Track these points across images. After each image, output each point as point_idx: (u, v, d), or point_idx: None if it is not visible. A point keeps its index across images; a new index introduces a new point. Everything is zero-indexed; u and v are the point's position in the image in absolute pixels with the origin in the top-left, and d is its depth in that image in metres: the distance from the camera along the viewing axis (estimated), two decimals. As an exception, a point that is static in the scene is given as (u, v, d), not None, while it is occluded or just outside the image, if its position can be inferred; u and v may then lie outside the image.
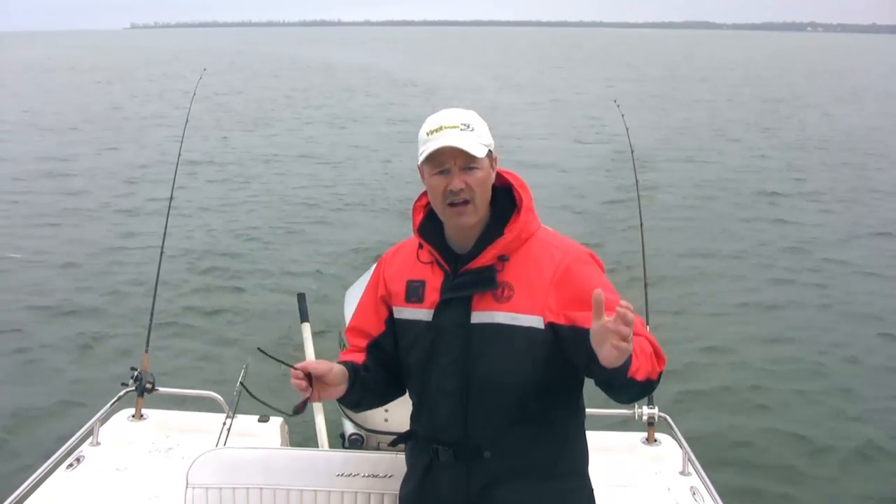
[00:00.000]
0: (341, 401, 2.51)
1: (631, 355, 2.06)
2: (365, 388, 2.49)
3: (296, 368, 2.31)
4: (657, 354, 2.24)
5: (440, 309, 2.40)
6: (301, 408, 2.33)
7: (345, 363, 2.47)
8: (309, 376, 2.31)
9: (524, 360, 2.32)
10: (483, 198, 2.36)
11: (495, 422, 2.37)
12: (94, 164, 18.02)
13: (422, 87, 39.65)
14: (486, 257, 2.36)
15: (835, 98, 36.40)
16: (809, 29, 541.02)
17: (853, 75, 53.68)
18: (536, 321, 2.31)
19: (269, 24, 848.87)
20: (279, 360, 2.41)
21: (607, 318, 1.98)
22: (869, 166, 18.71)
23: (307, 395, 2.31)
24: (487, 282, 2.35)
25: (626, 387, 2.16)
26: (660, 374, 2.25)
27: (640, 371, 2.13)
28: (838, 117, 28.23)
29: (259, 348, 2.54)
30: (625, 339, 1.96)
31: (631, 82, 44.14)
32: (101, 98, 33.40)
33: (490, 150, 2.39)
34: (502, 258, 2.36)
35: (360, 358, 2.54)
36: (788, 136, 23.39)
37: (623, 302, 1.99)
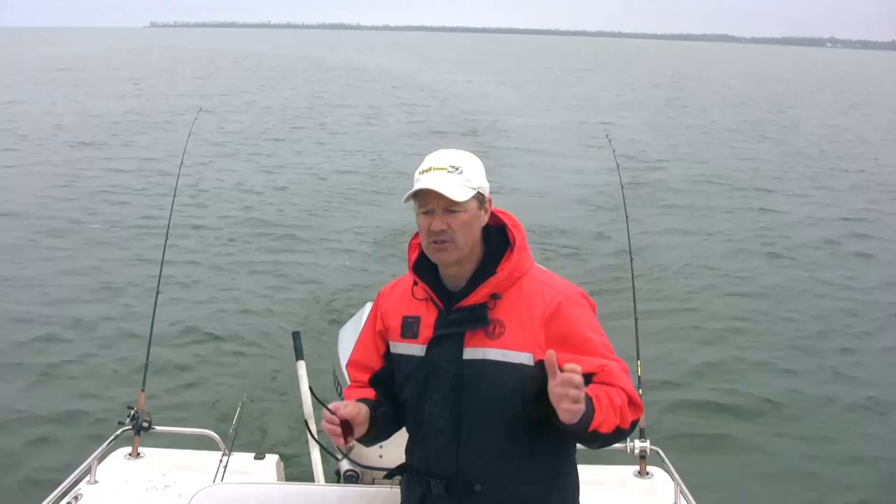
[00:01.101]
0: (360, 439, 2.54)
1: (594, 409, 2.20)
2: (383, 424, 2.56)
3: (330, 411, 2.38)
4: (632, 403, 2.34)
5: (433, 345, 2.46)
6: (348, 451, 2.53)
7: (364, 401, 2.52)
8: (344, 422, 2.39)
9: (514, 396, 2.38)
10: (466, 238, 2.43)
11: (486, 456, 2.43)
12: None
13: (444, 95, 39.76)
14: (479, 295, 2.43)
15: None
16: (829, 45, 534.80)
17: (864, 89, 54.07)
18: (527, 358, 2.38)
19: (289, 25, 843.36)
20: (321, 402, 2.47)
21: (556, 380, 2.10)
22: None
23: (341, 440, 2.40)
24: (479, 319, 2.42)
25: (591, 439, 2.27)
26: (633, 423, 2.36)
27: (604, 424, 2.25)
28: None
29: (311, 389, 2.59)
30: (575, 400, 2.09)
31: (640, 90, 44.67)
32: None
33: (481, 193, 2.46)
34: (494, 296, 2.43)
35: (370, 394, 2.60)
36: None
37: (569, 365, 2.11)
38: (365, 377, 2.65)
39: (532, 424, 2.40)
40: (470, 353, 2.41)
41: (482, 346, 2.41)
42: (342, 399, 2.64)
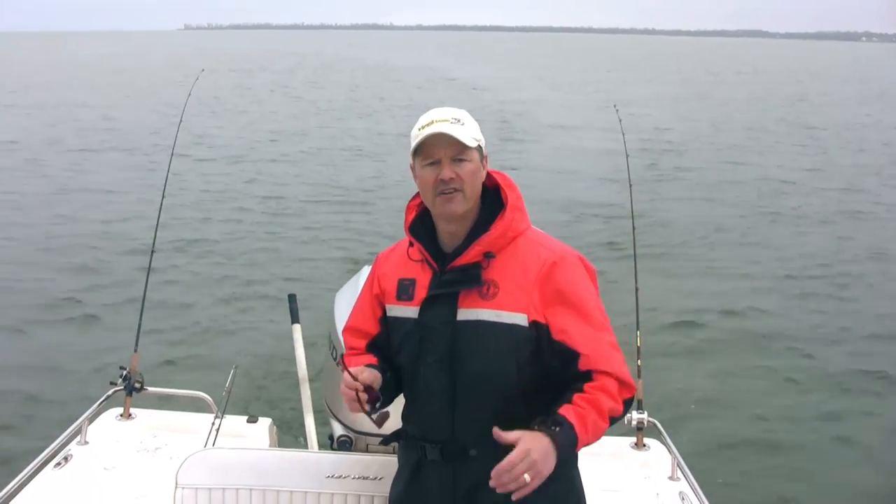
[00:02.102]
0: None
1: (576, 436, 2.18)
2: (386, 390, 2.49)
3: (352, 375, 2.33)
4: (623, 384, 2.30)
5: (426, 306, 2.42)
6: (382, 420, 2.43)
7: (371, 367, 2.46)
8: (367, 388, 2.35)
9: (509, 358, 2.33)
10: (472, 190, 2.39)
11: (481, 420, 2.35)
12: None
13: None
14: (472, 254, 2.37)
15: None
16: (864, 39, 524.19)
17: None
18: (521, 319, 2.32)
19: (322, 26, 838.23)
20: (345, 368, 2.37)
21: (496, 471, 2.10)
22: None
23: (358, 406, 2.33)
24: (473, 279, 2.37)
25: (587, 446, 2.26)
26: (627, 403, 2.32)
27: (593, 436, 2.24)
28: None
29: (342, 358, 2.50)
30: (520, 483, 2.09)
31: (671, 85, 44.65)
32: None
33: (481, 146, 2.42)
34: (488, 255, 2.37)
35: (372, 360, 2.54)
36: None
37: (496, 471, 2.09)
38: (362, 344, 2.59)
39: (527, 388, 2.36)
40: (464, 314, 2.36)
41: (476, 307, 2.35)
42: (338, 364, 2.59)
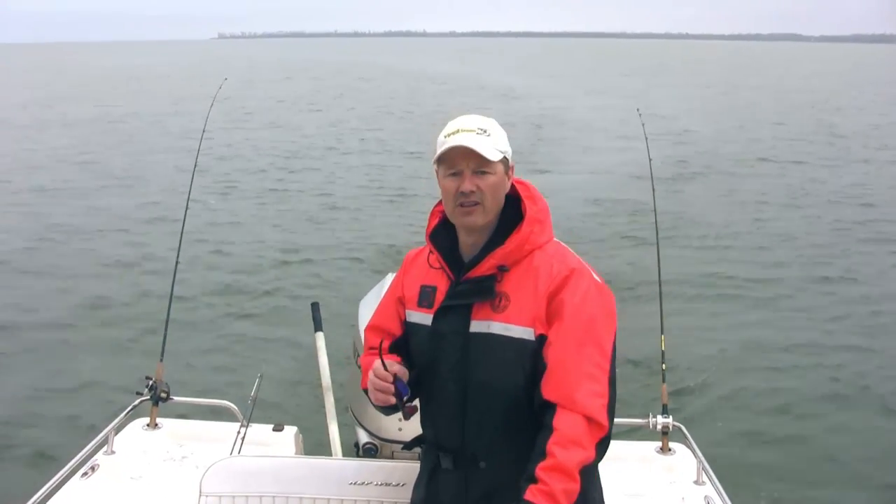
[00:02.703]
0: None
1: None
2: (413, 388, 2.48)
3: (384, 365, 2.33)
4: (591, 423, 2.18)
5: (439, 315, 2.42)
6: (410, 414, 2.37)
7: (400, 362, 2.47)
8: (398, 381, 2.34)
9: (516, 370, 2.31)
10: (493, 202, 2.37)
11: (490, 431, 2.37)
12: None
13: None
14: (486, 266, 2.37)
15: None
16: None
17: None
18: (528, 333, 2.31)
19: (356, 34, 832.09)
20: (382, 362, 2.36)
21: None
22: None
23: (392, 399, 2.33)
24: (486, 291, 2.36)
25: None
26: (600, 444, 2.21)
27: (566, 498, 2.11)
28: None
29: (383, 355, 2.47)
30: None
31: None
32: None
33: (506, 158, 2.40)
34: (502, 268, 2.36)
35: (394, 359, 2.50)
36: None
37: None
38: (384, 342, 2.56)
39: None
40: (476, 325, 2.36)
41: (487, 318, 2.34)
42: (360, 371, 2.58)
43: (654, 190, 4.74)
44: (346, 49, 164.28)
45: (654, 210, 4.77)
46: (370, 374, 2.36)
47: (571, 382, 2.21)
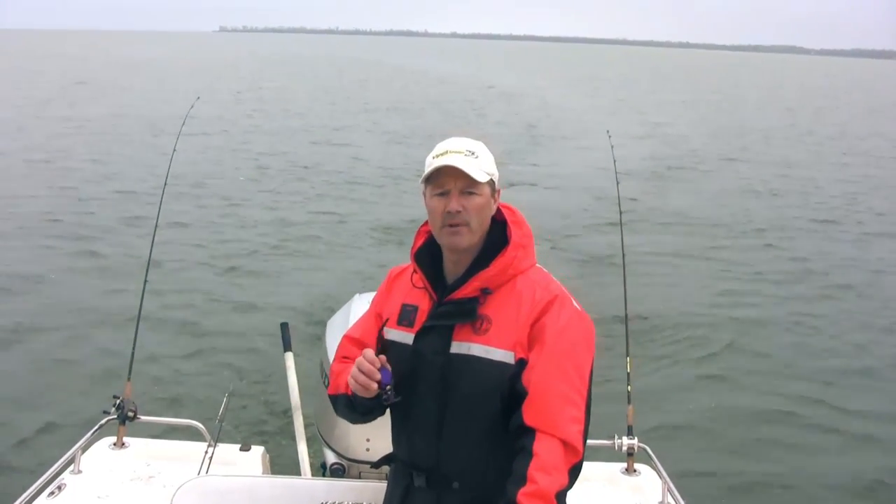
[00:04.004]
0: (363, 401, 2.45)
1: None
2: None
3: (373, 356, 2.36)
4: (567, 447, 2.21)
5: (420, 336, 2.45)
6: (391, 398, 2.37)
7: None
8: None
9: (494, 394, 2.35)
10: (480, 224, 2.42)
11: (465, 454, 2.40)
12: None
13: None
14: (469, 288, 2.40)
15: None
16: None
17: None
18: (508, 356, 2.34)
19: (357, 32, 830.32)
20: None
21: None
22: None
23: (374, 386, 2.33)
24: (468, 313, 2.39)
25: None
26: (573, 470, 2.23)
27: None
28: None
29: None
30: None
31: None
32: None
33: (493, 181, 2.45)
34: (485, 291, 2.39)
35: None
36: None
37: None
38: (357, 353, 2.55)
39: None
40: (456, 346, 2.39)
41: (468, 340, 2.38)
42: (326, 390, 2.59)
43: (620, 213, 4.82)
44: (349, 46, 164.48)
45: (621, 230, 4.85)
46: (358, 359, 2.36)
47: (553, 408, 2.24)
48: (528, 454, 2.19)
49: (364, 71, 64.07)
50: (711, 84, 67.03)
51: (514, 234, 2.46)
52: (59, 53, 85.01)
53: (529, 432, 2.22)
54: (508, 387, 2.32)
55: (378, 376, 2.33)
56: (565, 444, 2.20)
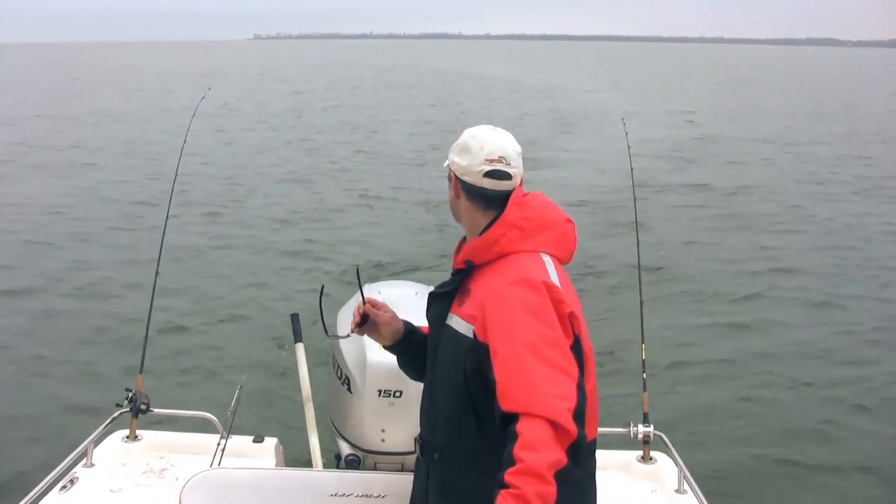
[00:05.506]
0: (389, 348, 2.76)
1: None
2: (413, 348, 2.70)
3: (365, 303, 2.66)
4: (557, 428, 2.02)
5: (430, 303, 2.58)
6: (349, 333, 2.72)
7: (406, 322, 2.73)
8: (365, 318, 2.66)
9: (457, 366, 2.36)
10: (454, 212, 2.59)
11: (441, 426, 2.46)
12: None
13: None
14: (458, 260, 2.50)
15: None
16: None
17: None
18: (468, 329, 2.34)
19: (391, 36, 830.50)
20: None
21: None
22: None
23: (353, 328, 2.67)
24: (452, 283, 2.49)
25: None
26: (571, 449, 2.03)
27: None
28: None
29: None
30: None
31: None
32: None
33: (449, 168, 2.54)
34: (468, 263, 2.44)
35: (425, 329, 2.69)
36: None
37: None
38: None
39: (478, 403, 2.30)
40: (448, 317, 2.46)
41: (453, 311, 2.45)
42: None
43: (636, 211, 4.76)
44: (384, 49, 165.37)
45: (636, 222, 4.80)
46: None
47: (525, 387, 2.09)
48: (513, 437, 2.03)
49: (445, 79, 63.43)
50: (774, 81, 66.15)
51: (510, 213, 2.41)
52: (113, 66, 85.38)
53: (511, 418, 2.08)
54: (471, 363, 2.29)
55: (357, 319, 2.65)
56: (552, 423, 2.02)
